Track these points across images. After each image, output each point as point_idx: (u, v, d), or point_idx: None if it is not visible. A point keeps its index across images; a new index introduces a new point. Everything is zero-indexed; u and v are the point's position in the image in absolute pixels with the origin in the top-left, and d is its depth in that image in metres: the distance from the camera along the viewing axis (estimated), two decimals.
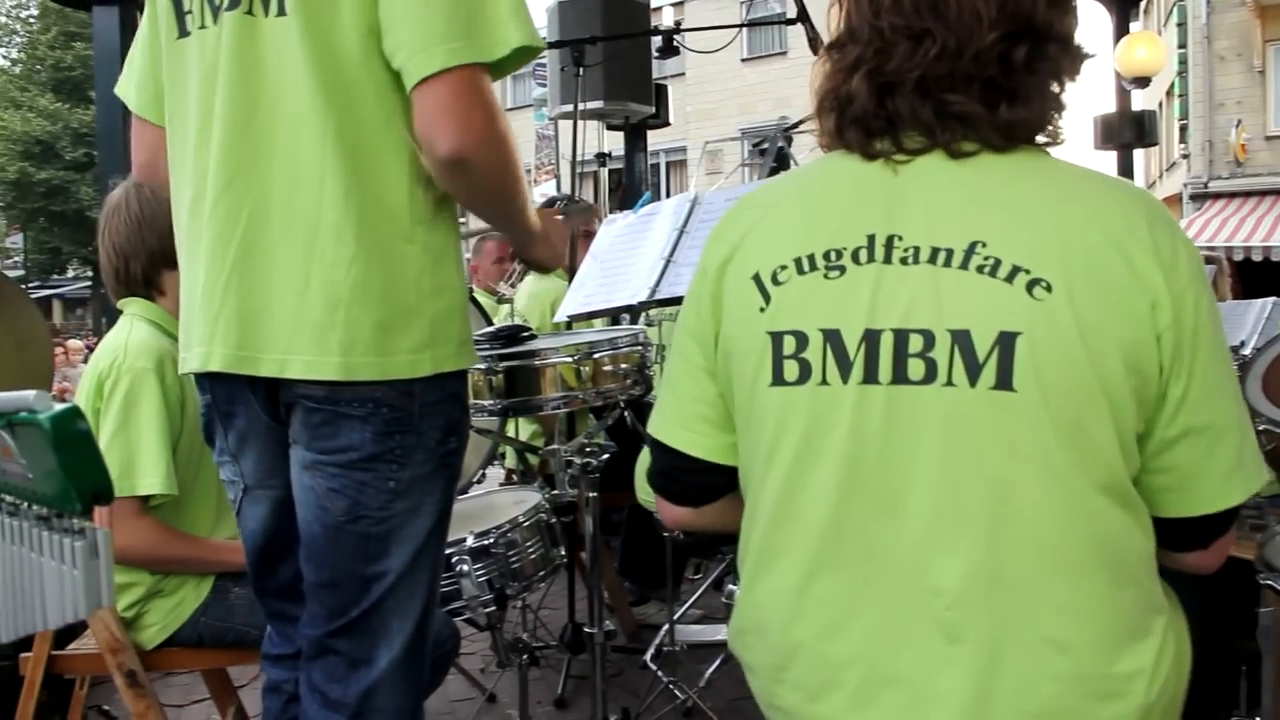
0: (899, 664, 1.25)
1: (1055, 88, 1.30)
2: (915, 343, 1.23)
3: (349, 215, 1.62)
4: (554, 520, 2.87)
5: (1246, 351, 3.71)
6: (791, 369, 1.29)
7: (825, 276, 1.28)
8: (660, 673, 3.46)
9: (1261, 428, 2.28)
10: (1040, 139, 1.32)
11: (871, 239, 1.27)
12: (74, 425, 1.25)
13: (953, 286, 1.22)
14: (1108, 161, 7.74)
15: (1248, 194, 20.29)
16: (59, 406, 1.24)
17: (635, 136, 6.62)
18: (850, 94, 1.30)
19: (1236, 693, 2.04)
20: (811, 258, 1.29)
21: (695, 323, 1.42)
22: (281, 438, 1.75)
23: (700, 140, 26.80)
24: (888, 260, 1.26)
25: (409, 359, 1.67)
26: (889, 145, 1.29)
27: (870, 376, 1.24)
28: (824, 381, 1.27)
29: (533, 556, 2.74)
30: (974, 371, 1.21)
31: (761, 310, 1.31)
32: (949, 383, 1.21)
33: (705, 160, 25.75)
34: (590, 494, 2.70)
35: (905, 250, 1.25)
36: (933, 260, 1.24)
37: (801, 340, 1.28)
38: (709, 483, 1.47)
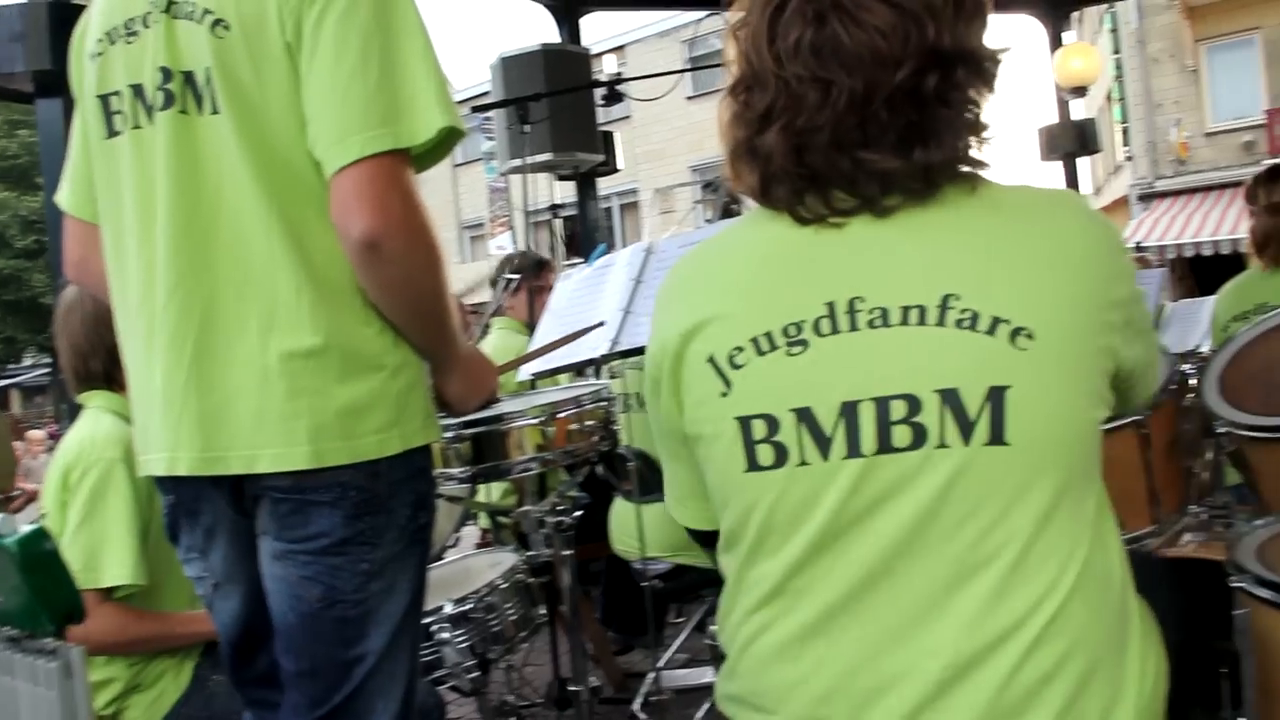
0: None
1: (972, 112, 1.26)
2: (898, 409, 1.20)
3: (303, 303, 1.62)
4: (532, 580, 2.86)
5: (1204, 350, 3.76)
6: (766, 454, 1.25)
7: (788, 353, 1.24)
8: None
9: (1222, 429, 2.31)
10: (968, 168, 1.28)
11: (831, 306, 1.23)
12: (41, 546, 1.24)
13: (933, 345, 1.20)
14: (1055, 170, 7.87)
15: (1193, 191, 20.61)
16: (25, 529, 1.23)
17: (586, 185, 6.65)
18: (768, 150, 1.26)
19: (1219, 694, 2.06)
20: (769, 335, 1.25)
21: (660, 412, 1.40)
22: (248, 530, 1.73)
23: (651, 181, 26.96)
24: (854, 327, 1.22)
25: (377, 439, 1.66)
26: (820, 206, 1.26)
27: (853, 450, 1.22)
28: (803, 462, 1.23)
29: (513, 618, 2.73)
30: (966, 430, 1.19)
31: (723, 395, 1.27)
32: (942, 444, 1.20)
33: (658, 201, 25.87)
34: (565, 551, 2.70)
35: (871, 313, 1.22)
36: (905, 320, 1.21)
37: (772, 423, 1.24)
38: None
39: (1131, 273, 1.29)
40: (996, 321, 1.18)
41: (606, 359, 2.88)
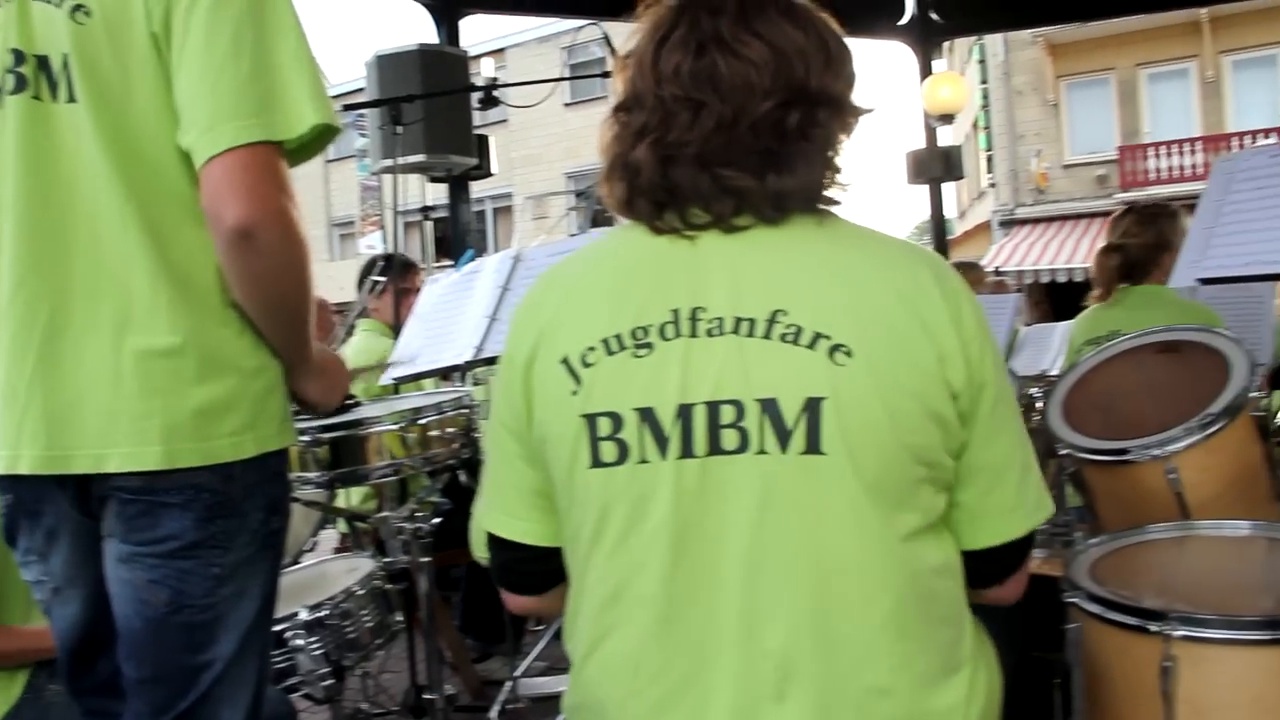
0: None
1: (830, 152, 1.34)
2: (727, 414, 1.26)
3: (160, 301, 1.58)
4: (389, 586, 2.82)
5: (1053, 373, 3.91)
6: (609, 450, 1.29)
7: (634, 355, 1.29)
8: None
9: (1063, 451, 2.41)
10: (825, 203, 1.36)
11: (676, 313, 1.29)
12: None
13: (758, 355, 1.26)
14: (920, 194, 8.10)
15: (1050, 219, 21.49)
16: None
17: (458, 188, 6.58)
18: (637, 164, 1.32)
19: (1051, 705, 2.14)
20: (619, 337, 1.30)
21: (508, 414, 1.41)
22: (92, 532, 1.67)
23: (526, 186, 26.87)
24: (694, 334, 1.28)
25: (231, 441, 1.63)
26: (676, 220, 1.32)
27: (687, 451, 1.27)
28: (643, 460, 1.28)
29: (369, 625, 2.69)
30: (784, 438, 1.25)
31: (573, 394, 1.31)
32: (761, 450, 1.25)
33: (531, 207, 25.81)
34: (423, 558, 2.67)
35: (710, 322, 1.28)
36: (736, 330, 1.27)
37: (616, 421, 1.29)
38: (548, 568, 1.46)
39: (982, 359, 1.31)
40: (818, 337, 1.25)
41: (471, 365, 2.87)
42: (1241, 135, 19.89)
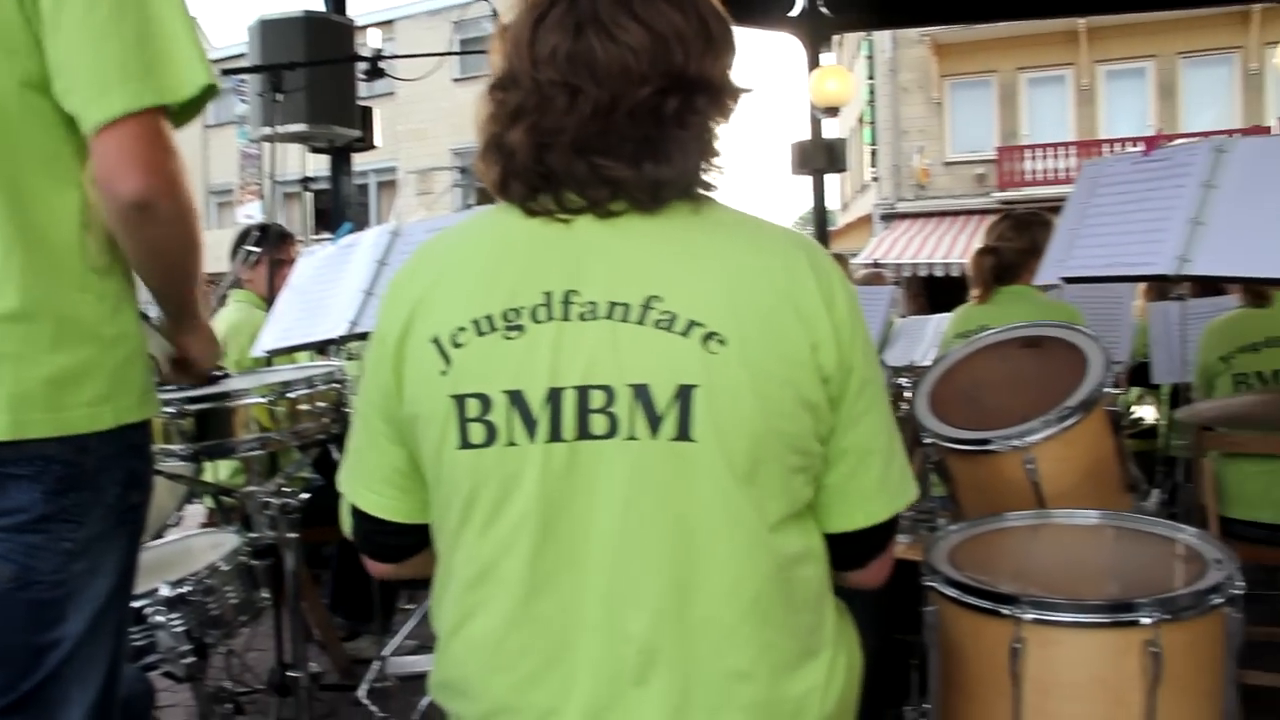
0: (597, 711, 1.27)
1: (706, 138, 1.33)
2: (597, 398, 1.25)
3: (12, 264, 1.52)
4: (255, 563, 2.76)
5: (924, 364, 4.02)
6: (477, 432, 1.28)
7: (505, 337, 1.28)
8: (374, 708, 3.39)
9: (928, 440, 2.48)
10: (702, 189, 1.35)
11: (549, 296, 1.28)
12: None
13: (631, 341, 1.25)
14: (804, 185, 8.22)
15: (930, 215, 22.02)
16: None
17: (340, 159, 6.45)
18: (512, 147, 1.30)
19: (909, 685, 2.21)
20: (490, 318, 1.29)
21: (377, 391, 1.39)
22: None
23: (411, 160, 26.45)
24: (566, 317, 1.27)
25: (87, 412, 1.57)
26: (551, 203, 1.31)
27: (555, 434, 1.26)
28: (511, 442, 1.27)
29: (233, 602, 2.63)
30: (654, 424, 1.25)
31: (443, 374, 1.30)
32: (631, 436, 1.25)
33: (416, 181, 25.45)
34: (290, 534, 2.63)
35: (584, 306, 1.27)
36: (610, 315, 1.26)
37: (485, 402, 1.28)
38: (406, 542, 1.46)
39: (853, 344, 1.33)
40: (692, 324, 1.25)
41: (345, 340, 2.82)
42: (1112, 142, 20.65)
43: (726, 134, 1.36)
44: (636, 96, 1.27)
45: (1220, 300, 4.26)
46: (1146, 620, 1.67)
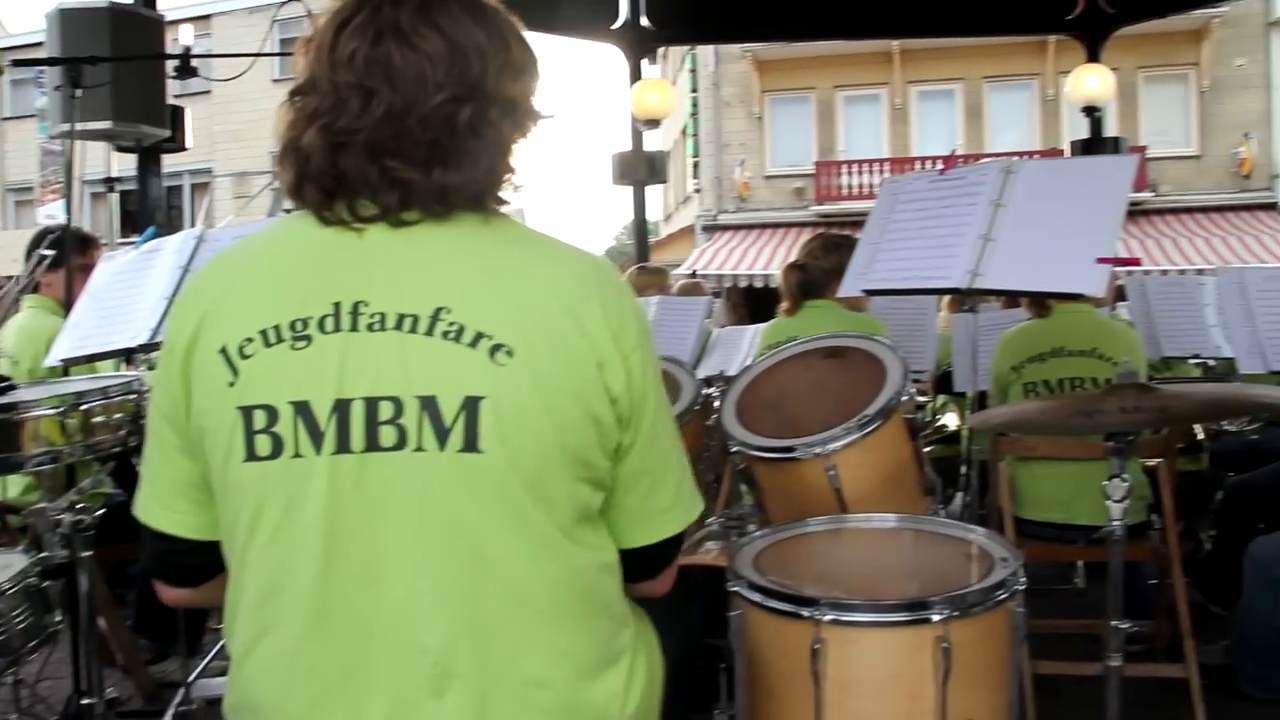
0: None
1: (501, 150, 1.35)
2: (385, 409, 1.25)
3: None
4: (46, 584, 2.62)
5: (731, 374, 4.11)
6: (264, 444, 1.26)
7: (292, 347, 1.26)
8: None
9: (735, 449, 2.54)
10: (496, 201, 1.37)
11: (338, 306, 1.27)
12: None
13: (419, 353, 1.25)
14: (625, 196, 8.28)
15: (751, 227, 22.52)
16: None
17: (149, 160, 6.17)
18: (307, 149, 1.30)
19: (719, 689, 2.26)
20: (278, 329, 1.27)
21: (166, 402, 1.35)
22: None
23: (229, 163, 25.55)
24: (354, 328, 1.26)
25: None
26: (344, 211, 1.31)
27: (343, 446, 1.25)
28: (297, 454, 1.25)
29: (21, 627, 2.48)
30: (442, 436, 1.25)
31: (230, 385, 1.27)
32: (419, 448, 1.25)
33: (233, 184, 24.62)
34: (85, 553, 2.50)
35: (372, 317, 1.26)
36: (399, 326, 1.26)
37: (272, 414, 1.26)
38: (202, 561, 1.41)
39: (644, 368, 1.37)
40: (480, 336, 1.26)
41: (146, 349, 2.71)
42: (924, 159, 21.51)
43: (526, 152, 1.38)
44: (430, 103, 1.29)
45: (1013, 312, 4.49)
46: (937, 617, 1.75)
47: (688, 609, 2.14)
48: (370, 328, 1.26)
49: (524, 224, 1.41)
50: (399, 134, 1.28)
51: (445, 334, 1.26)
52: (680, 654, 1.59)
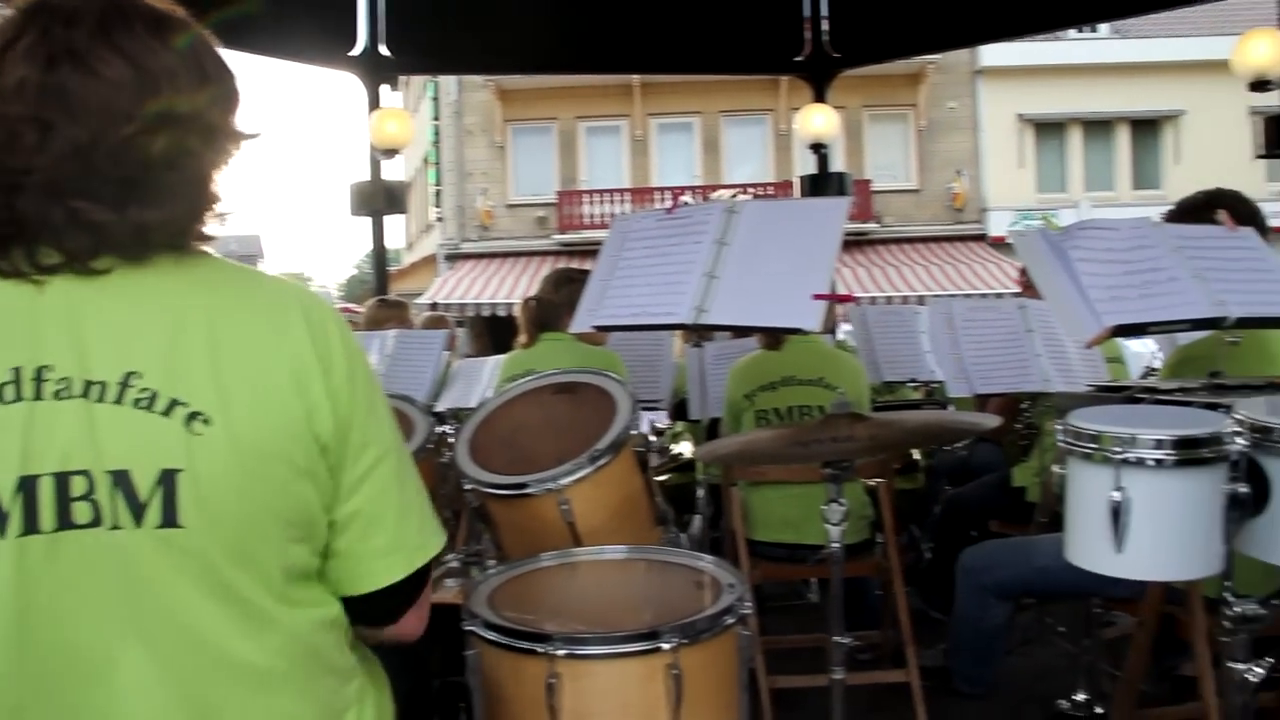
0: None
1: (202, 181, 1.25)
2: (78, 485, 1.14)
3: None
4: None
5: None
6: None
7: None
8: None
9: (469, 487, 2.53)
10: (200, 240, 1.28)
11: (18, 373, 1.15)
12: None
13: (109, 423, 1.15)
14: (364, 226, 8.10)
15: (493, 255, 22.56)
16: None
17: None
18: None
19: None
20: None
21: None
22: None
23: None
24: (39, 396, 1.14)
25: None
26: (23, 261, 1.18)
27: (31, 527, 1.13)
28: None
29: None
30: (138, 512, 1.15)
31: None
32: (115, 525, 1.15)
33: None
34: None
35: (58, 384, 1.15)
36: (86, 394, 1.15)
37: None
38: None
39: (352, 405, 1.29)
40: (174, 403, 1.17)
41: None
42: (663, 190, 22.16)
43: (231, 179, 1.29)
44: (119, 134, 1.17)
45: (743, 342, 4.69)
46: (667, 645, 1.80)
47: (422, 647, 2.12)
48: (56, 395, 1.14)
49: (225, 262, 1.30)
50: (85, 170, 1.16)
51: (136, 402, 1.15)
52: (406, 694, 1.56)
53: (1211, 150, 22.09)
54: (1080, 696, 3.58)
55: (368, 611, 1.40)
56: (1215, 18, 21.17)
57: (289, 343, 1.26)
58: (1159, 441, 1.73)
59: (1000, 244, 22.23)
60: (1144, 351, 6.98)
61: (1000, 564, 3.49)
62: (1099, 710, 3.51)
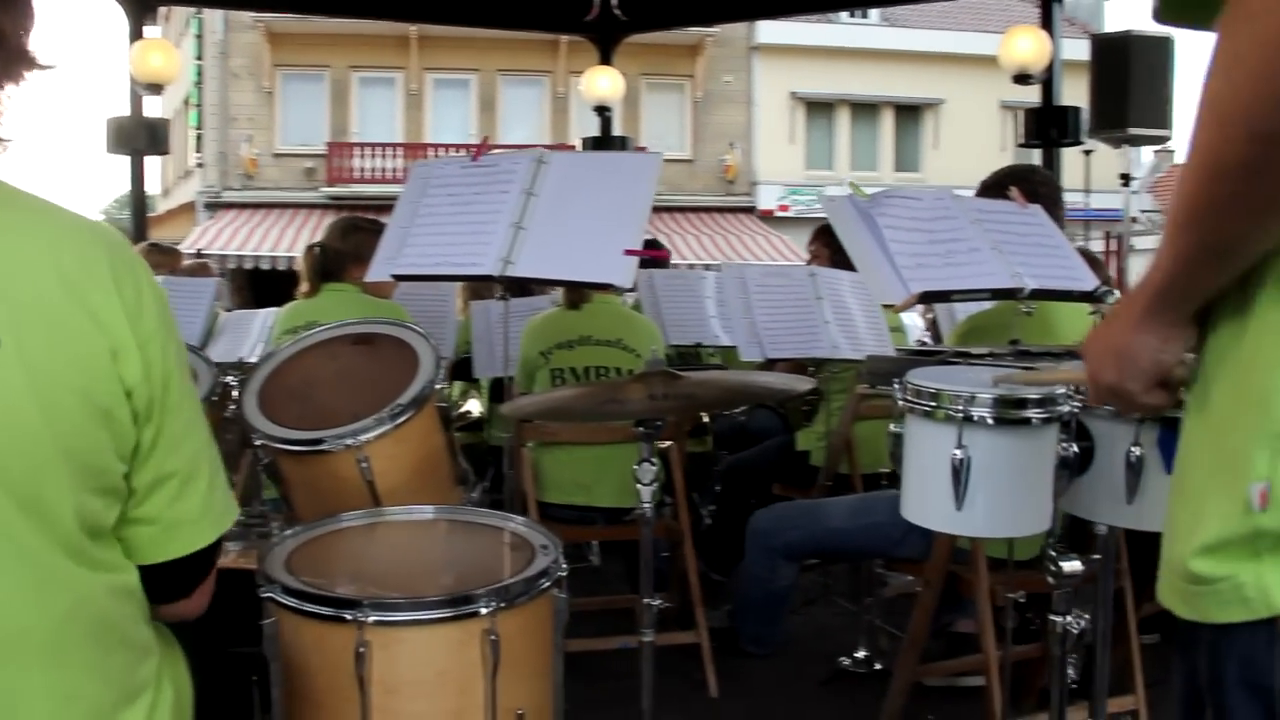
0: None
1: None
2: None
3: None
4: None
5: (252, 359, 3.89)
6: None
7: None
8: None
9: (259, 442, 2.36)
10: None
11: None
12: None
13: None
14: (121, 165, 7.57)
15: (258, 206, 21.60)
16: None
17: None
18: None
19: (251, 703, 2.09)
20: None
21: None
22: None
23: None
24: None
25: None
26: None
27: None
28: None
29: None
30: None
31: None
32: None
33: None
34: None
35: None
36: None
37: None
38: None
39: (165, 356, 1.21)
40: None
41: None
42: (437, 146, 21.72)
43: (19, 103, 1.17)
44: None
45: (536, 300, 4.61)
46: (485, 610, 1.72)
47: (210, 619, 1.97)
48: None
49: (23, 191, 1.18)
50: None
51: None
52: (204, 670, 1.44)
53: (967, 138, 23.52)
54: (861, 654, 3.69)
55: (163, 583, 1.30)
56: (976, 15, 22.49)
57: (92, 280, 1.15)
58: (998, 400, 1.77)
59: (769, 217, 22.91)
60: (913, 326, 7.29)
61: (791, 526, 3.54)
62: (879, 666, 3.64)
